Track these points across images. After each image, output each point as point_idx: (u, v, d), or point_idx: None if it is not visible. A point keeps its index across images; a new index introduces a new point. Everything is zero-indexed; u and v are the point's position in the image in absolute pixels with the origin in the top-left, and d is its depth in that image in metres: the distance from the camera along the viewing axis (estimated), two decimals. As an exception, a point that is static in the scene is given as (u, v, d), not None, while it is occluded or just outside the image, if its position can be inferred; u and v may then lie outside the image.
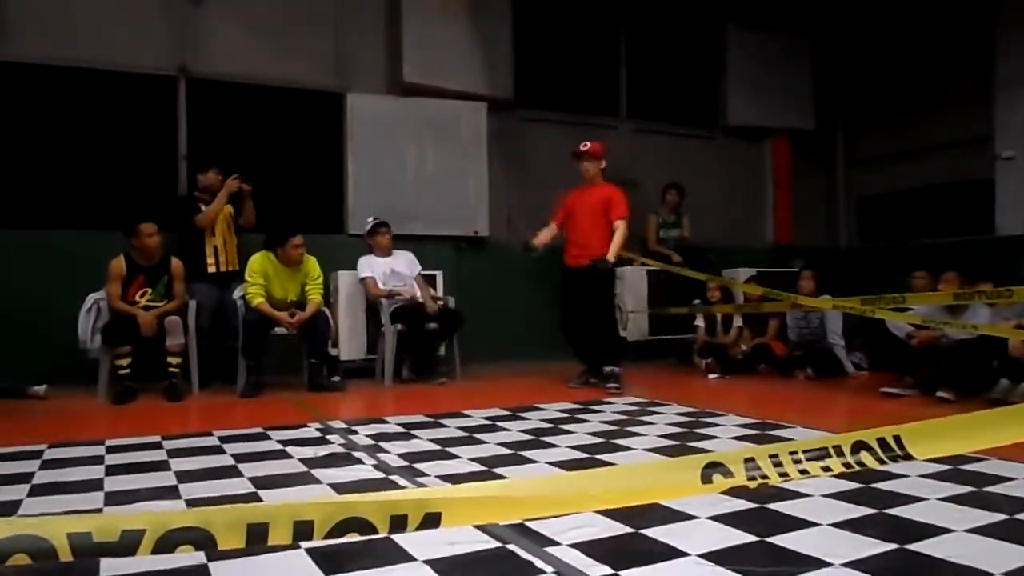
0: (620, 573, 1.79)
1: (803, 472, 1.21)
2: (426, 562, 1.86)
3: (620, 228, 5.28)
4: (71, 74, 5.77)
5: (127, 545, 0.91)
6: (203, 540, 0.95)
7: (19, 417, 4.37)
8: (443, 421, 3.98)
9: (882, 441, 1.27)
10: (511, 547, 1.96)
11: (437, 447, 3.33)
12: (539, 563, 1.85)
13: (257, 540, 0.95)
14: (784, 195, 8.60)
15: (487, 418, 4.08)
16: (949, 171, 7.75)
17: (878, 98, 8.54)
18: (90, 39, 5.77)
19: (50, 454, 3.19)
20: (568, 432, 3.67)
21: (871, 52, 8.59)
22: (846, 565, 1.81)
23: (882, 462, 1.27)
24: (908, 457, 1.28)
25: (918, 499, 2.37)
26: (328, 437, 3.56)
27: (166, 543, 0.94)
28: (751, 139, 8.52)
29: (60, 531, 0.88)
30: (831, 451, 1.24)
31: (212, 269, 5.55)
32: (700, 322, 6.45)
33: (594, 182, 5.47)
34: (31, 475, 2.83)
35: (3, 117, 5.58)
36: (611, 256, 5.24)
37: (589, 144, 5.50)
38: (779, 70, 8.37)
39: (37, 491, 2.61)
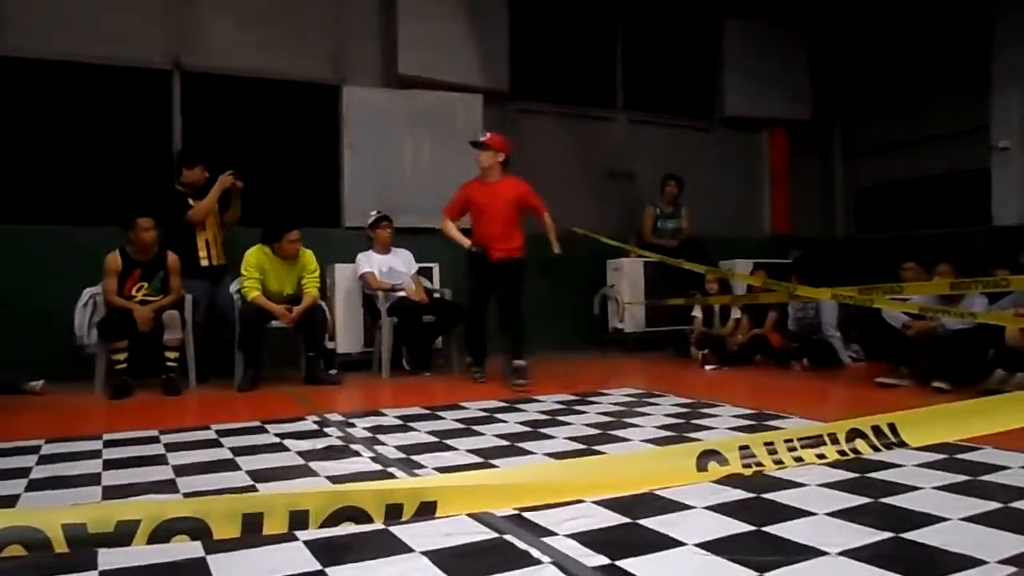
0: (617, 563, 1.79)
1: (798, 459, 1.21)
2: (423, 553, 1.86)
3: (549, 219, 5.39)
4: (66, 69, 5.74)
5: (122, 535, 0.91)
6: (199, 530, 0.95)
7: (16, 412, 4.36)
8: (440, 413, 3.99)
9: (876, 428, 1.27)
10: (508, 538, 1.97)
11: (434, 439, 3.33)
12: (536, 553, 1.86)
13: (253, 530, 0.95)
14: (781, 186, 8.61)
15: (484, 410, 4.09)
16: (946, 161, 7.76)
17: (875, 89, 8.54)
18: (84, 33, 5.74)
19: (47, 449, 3.19)
20: (565, 424, 3.68)
21: (868, 43, 8.59)
22: (842, 554, 1.82)
23: (876, 449, 1.27)
24: (902, 444, 1.28)
25: (913, 488, 2.38)
26: (325, 430, 3.56)
27: (161, 533, 0.93)
28: (748, 130, 8.52)
29: (55, 522, 0.88)
30: (826, 438, 1.25)
31: (205, 263, 5.53)
32: (697, 313, 6.46)
33: (496, 175, 5.33)
34: (29, 470, 2.83)
35: (-2, 111, 5.57)
36: (558, 249, 5.33)
37: (488, 135, 5.42)
38: (776, 61, 8.37)
39: (35, 486, 2.61)
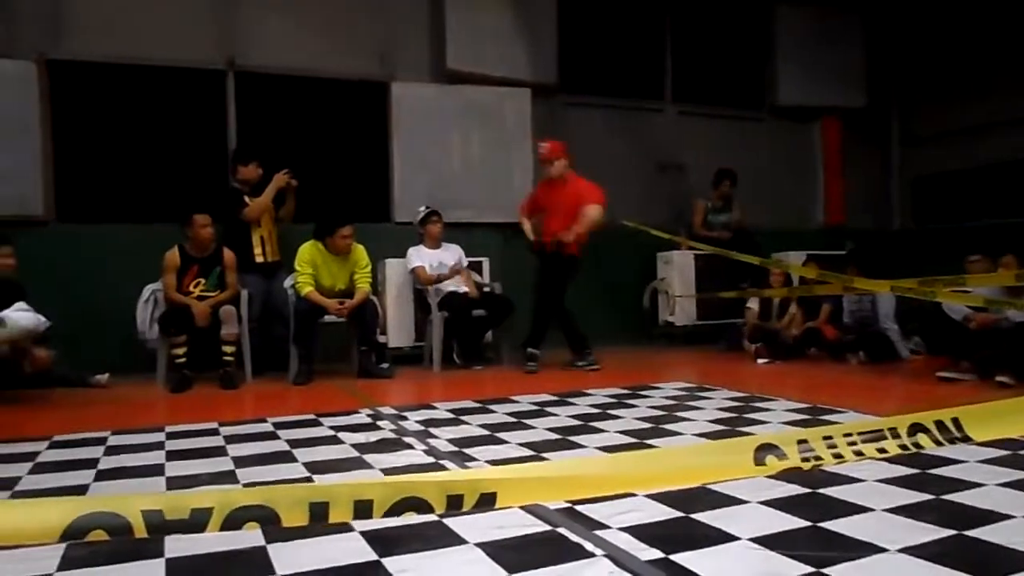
0: (671, 557, 1.79)
1: (858, 454, 1.19)
2: (477, 545, 1.88)
3: (591, 211, 5.44)
4: (124, 70, 5.92)
5: (197, 522, 0.94)
6: (268, 517, 0.98)
7: (83, 405, 4.53)
8: (491, 407, 4.01)
9: (940, 423, 1.24)
10: (561, 530, 1.98)
11: (486, 432, 3.35)
12: (589, 546, 1.86)
13: (319, 518, 0.98)
14: (835, 176, 8.43)
15: (535, 403, 4.10)
16: (1009, 149, 7.49)
17: (934, 74, 8.28)
18: (142, 36, 5.91)
19: (113, 440, 3.30)
20: (616, 417, 3.67)
21: (926, 25, 8.33)
22: (902, 551, 1.78)
23: (940, 444, 1.25)
24: (966, 439, 1.25)
25: (976, 485, 2.31)
26: (379, 423, 3.61)
27: (233, 520, 0.97)
28: (801, 120, 8.36)
29: (135, 508, 0.92)
30: (887, 433, 1.22)
31: (260, 259, 5.66)
32: (753, 305, 6.35)
33: (563, 180, 5.61)
34: (96, 460, 2.93)
35: (62, 114, 5.75)
36: (568, 235, 5.41)
37: (547, 145, 5.65)
38: (830, 48, 8.19)
39: (103, 476, 2.70)
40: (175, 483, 2.60)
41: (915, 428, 1.27)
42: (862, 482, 2.36)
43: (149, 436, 3.37)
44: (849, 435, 1.24)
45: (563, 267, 5.56)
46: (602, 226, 5.60)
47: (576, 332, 5.69)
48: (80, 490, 2.52)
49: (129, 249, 5.66)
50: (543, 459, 2.85)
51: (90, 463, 2.89)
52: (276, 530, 1.87)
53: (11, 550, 1.82)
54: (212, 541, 1.86)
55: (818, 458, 1.22)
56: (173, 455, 3.00)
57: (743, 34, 8.21)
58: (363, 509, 1.01)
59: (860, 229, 8.26)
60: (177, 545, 1.86)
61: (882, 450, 1.26)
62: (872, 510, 2.10)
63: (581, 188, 5.58)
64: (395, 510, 1.02)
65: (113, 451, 3.10)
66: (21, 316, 4.45)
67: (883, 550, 1.79)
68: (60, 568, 1.78)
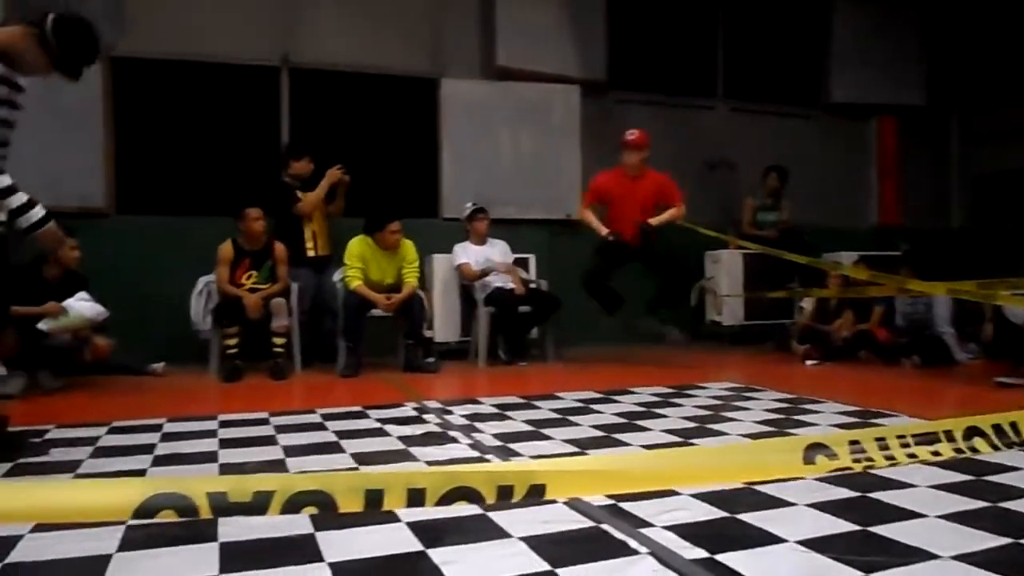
0: (715, 556, 1.78)
1: (911, 456, 1.17)
2: (521, 539, 1.90)
3: (681, 210, 5.66)
4: (181, 67, 6.07)
5: (259, 505, 0.97)
6: (326, 503, 1.01)
7: (140, 392, 4.66)
8: (536, 403, 4.02)
9: (998, 428, 1.22)
10: (605, 527, 1.98)
11: (531, 428, 3.37)
12: (633, 543, 1.86)
13: (374, 505, 1.01)
14: (890, 176, 8.23)
15: (580, 400, 4.10)
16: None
17: (995, 70, 8.02)
18: (199, 34, 6.05)
19: (169, 427, 3.39)
20: (661, 416, 3.65)
21: (987, 20, 8.07)
22: (956, 558, 1.75)
23: (996, 448, 1.22)
24: (1025, 445, 1.22)
25: (1035, 493, 2.26)
26: (424, 416, 3.65)
27: (293, 504, 1.00)
28: (856, 117, 8.18)
29: (200, 490, 0.96)
30: (941, 436, 1.20)
31: (311, 253, 5.76)
32: (807, 304, 6.23)
33: (640, 171, 5.62)
34: (153, 446, 3.02)
35: (123, 109, 5.92)
36: (654, 221, 5.56)
37: (636, 133, 5.60)
38: (888, 44, 7.99)
39: (160, 461, 2.79)
40: (228, 471, 2.66)
41: (971, 432, 1.24)
42: (914, 487, 2.32)
43: (203, 424, 3.46)
44: (902, 437, 1.22)
45: (653, 247, 5.66)
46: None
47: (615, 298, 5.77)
48: (139, 474, 2.60)
49: (184, 241, 5.79)
50: (587, 456, 2.86)
51: (148, 448, 2.98)
52: (325, 518, 1.92)
53: (74, 529, 1.90)
54: (264, 527, 1.91)
55: (870, 460, 1.20)
56: (226, 443, 3.08)
57: (798, 29, 8.06)
58: (416, 497, 1.03)
59: (916, 229, 8.06)
60: (230, 530, 1.92)
61: (936, 453, 1.23)
62: (925, 516, 2.06)
63: (662, 183, 5.69)
64: (447, 499, 1.04)
65: (169, 438, 3.19)
66: (83, 306, 4.60)
67: (935, 556, 1.76)
68: (120, 549, 1.85)
